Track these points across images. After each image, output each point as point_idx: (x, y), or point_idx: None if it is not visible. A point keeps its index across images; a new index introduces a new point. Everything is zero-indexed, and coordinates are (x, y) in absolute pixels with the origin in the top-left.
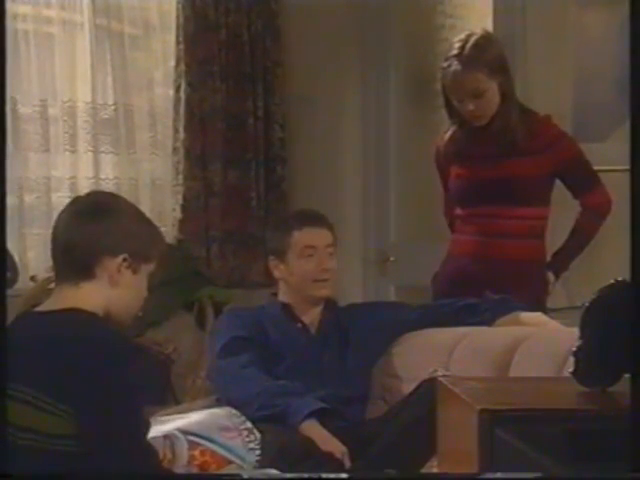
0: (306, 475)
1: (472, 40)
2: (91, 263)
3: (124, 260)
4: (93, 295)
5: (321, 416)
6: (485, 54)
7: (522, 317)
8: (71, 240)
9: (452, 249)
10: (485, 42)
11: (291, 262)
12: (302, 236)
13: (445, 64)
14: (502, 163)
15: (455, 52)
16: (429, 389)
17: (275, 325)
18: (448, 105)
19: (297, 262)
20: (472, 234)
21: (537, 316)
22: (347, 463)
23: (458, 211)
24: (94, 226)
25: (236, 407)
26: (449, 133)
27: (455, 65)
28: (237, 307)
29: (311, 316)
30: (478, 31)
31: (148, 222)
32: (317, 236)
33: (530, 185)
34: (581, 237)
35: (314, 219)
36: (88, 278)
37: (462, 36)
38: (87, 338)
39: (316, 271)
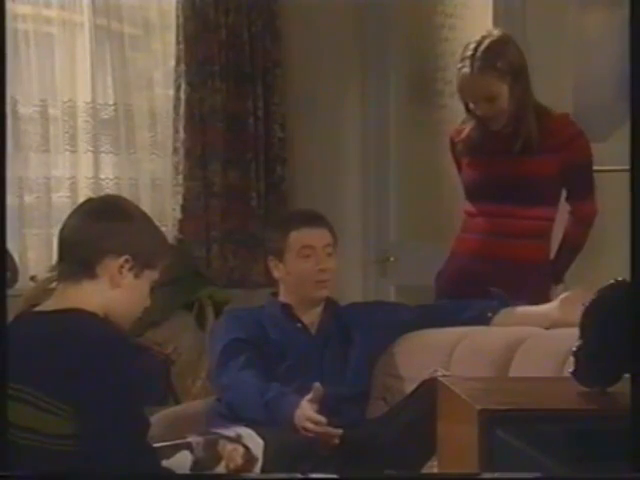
0: (300, 475)
1: (486, 43)
2: (93, 261)
3: (126, 261)
4: (93, 295)
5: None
6: (497, 58)
7: (523, 311)
8: (76, 237)
9: (456, 247)
10: (499, 45)
11: (289, 262)
12: (300, 236)
13: (459, 65)
14: (516, 161)
15: (468, 54)
16: (429, 389)
17: (275, 325)
18: (465, 108)
19: (295, 262)
20: (479, 232)
21: (536, 307)
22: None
23: (467, 207)
24: (100, 225)
25: (233, 410)
26: (467, 130)
27: (466, 68)
28: (236, 308)
29: (311, 316)
30: (495, 32)
31: (157, 230)
32: (315, 236)
33: (543, 184)
34: (573, 246)
35: (312, 219)
36: (90, 277)
37: (477, 37)
38: (87, 338)
39: (314, 272)
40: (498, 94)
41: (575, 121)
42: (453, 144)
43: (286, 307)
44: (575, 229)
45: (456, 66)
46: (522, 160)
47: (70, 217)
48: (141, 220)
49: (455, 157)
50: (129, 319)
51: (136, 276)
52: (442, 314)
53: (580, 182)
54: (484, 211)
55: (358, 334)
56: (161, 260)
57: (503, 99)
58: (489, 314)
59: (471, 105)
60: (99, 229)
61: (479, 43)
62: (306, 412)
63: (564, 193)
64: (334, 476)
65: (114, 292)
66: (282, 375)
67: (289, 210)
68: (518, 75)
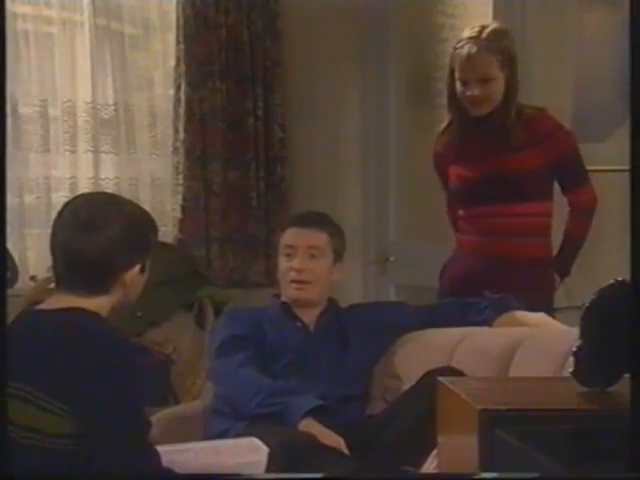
0: (303, 475)
1: (490, 27)
2: (109, 280)
3: (141, 269)
4: (101, 302)
5: (319, 414)
6: (501, 41)
7: (522, 316)
8: (84, 255)
9: (459, 248)
10: (502, 32)
11: (279, 261)
12: (285, 235)
13: (458, 45)
14: (500, 160)
15: (473, 34)
16: (429, 385)
17: (274, 324)
18: (451, 94)
19: (279, 261)
20: (476, 234)
21: (537, 315)
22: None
23: (461, 212)
24: (105, 241)
25: (233, 405)
26: (445, 132)
27: (470, 46)
28: (236, 307)
29: (310, 315)
30: (494, 23)
31: (144, 213)
32: (299, 236)
33: (530, 180)
34: (575, 239)
35: (305, 219)
36: (101, 293)
37: (478, 24)
38: (88, 338)
39: (289, 271)
40: (494, 77)
41: (553, 116)
42: (437, 154)
43: (285, 306)
44: (574, 219)
45: (452, 47)
46: (505, 158)
47: (64, 225)
48: (139, 222)
49: (438, 168)
50: (127, 307)
51: (142, 272)
52: (444, 315)
53: (568, 172)
54: (478, 214)
55: (358, 334)
56: (155, 238)
57: (497, 85)
58: (491, 316)
59: (461, 88)
60: (107, 246)
61: (483, 27)
62: (315, 428)
63: (560, 185)
64: (333, 476)
65: (123, 294)
66: (280, 372)
67: (289, 210)
68: (513, 67)
